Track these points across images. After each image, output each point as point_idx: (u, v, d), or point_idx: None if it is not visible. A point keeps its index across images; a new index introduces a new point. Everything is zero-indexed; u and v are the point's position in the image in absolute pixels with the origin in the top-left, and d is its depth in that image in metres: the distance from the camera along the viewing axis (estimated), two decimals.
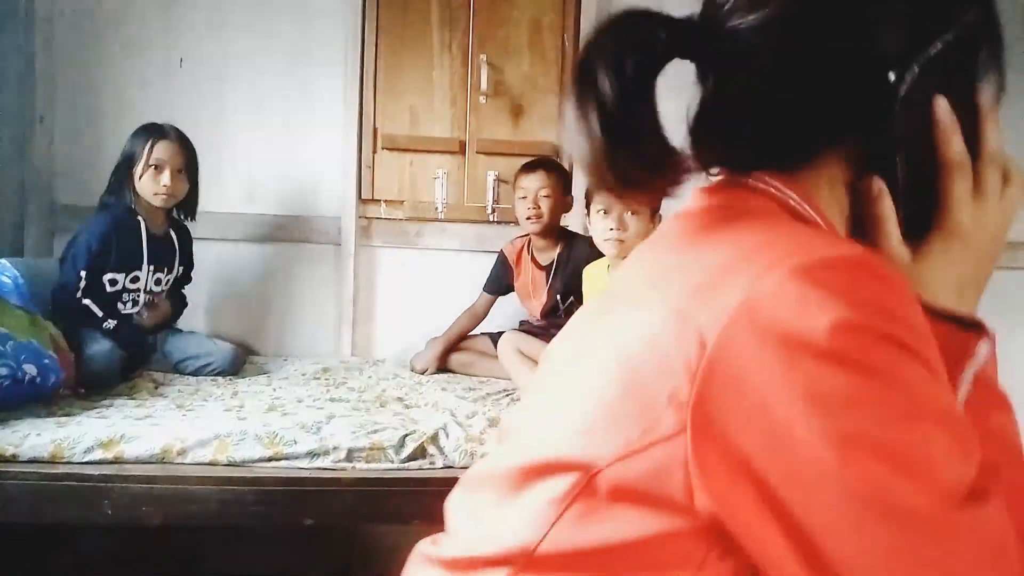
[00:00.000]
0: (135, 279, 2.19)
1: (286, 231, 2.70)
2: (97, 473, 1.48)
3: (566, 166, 2.48)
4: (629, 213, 1.88)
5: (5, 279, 2.05)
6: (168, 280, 2.31)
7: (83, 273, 2.07)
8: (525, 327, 2.46)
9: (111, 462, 1.51)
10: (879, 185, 0.52)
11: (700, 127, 0.56)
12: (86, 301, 2.07)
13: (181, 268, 2.37)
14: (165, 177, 2.15)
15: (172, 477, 1.50)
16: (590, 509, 0.47)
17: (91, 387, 1.93)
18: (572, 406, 0.51)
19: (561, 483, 0.48)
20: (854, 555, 0.41)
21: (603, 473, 0.47)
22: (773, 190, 0.52)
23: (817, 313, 0.42)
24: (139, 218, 2.18)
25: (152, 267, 2.22)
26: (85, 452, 1.50)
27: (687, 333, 0.45)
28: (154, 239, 2.22)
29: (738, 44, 0.52)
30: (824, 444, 0.41)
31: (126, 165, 2.17)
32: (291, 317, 2.75)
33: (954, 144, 0.52)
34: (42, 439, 1.51)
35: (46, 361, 1.80)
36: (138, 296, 2.22)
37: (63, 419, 1.65)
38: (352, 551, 2.00)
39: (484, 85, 2.73)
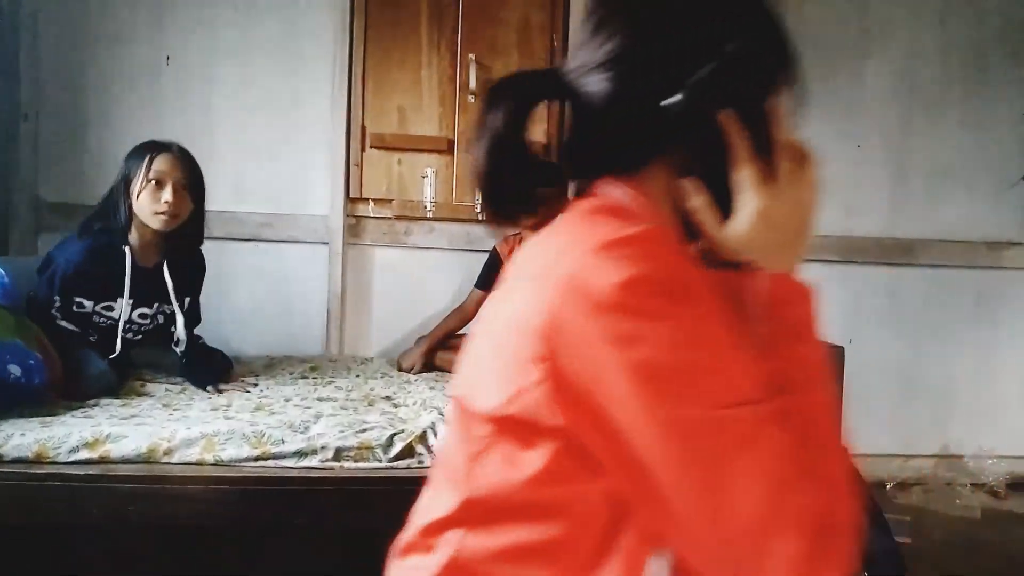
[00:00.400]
0: (108, 308, 2.00)
1: (274, 230, 2.70)
2: (82, 473, 1.48)
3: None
4: None
5: None
6: (163, 314, 2.09)
7: (56, 299, 1.94)
8: None
9: (97, 462, 1.50)
10: (689, 184, 0.67)
11: (567, 148, 0.75)
12: (61, 323, 1.95)
13: (185, 299, 2.10)
14: (167, 193, 1.91)
15: (158, 477, 1.50)
16: (500, 451, 0.64)
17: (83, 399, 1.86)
18: (480, 369, 0.70)
19: (478, 431, 0.66)
20: (652, 446, 0.57)
21: (503, 418, 0.64)
22: (612, 192, 0.70)
23: (607, 276, 0.58)
24: (125, 248, 1.96)
25: (132, 300, 1.99)
26: (70, 452, 1.50)
27: (538, 304, 0.61)
28: (140, 272, 1.99)
29: (580, 89, 0.70)
30: (621, 372, 0.57)
31: (122, 186, 1.94)
32: (278, 316, 2.74)
33: (738, 144, 0.65)
34: (26, 439, 1.50)
35: (31, 362, 1.78)
36: (114, 323, 2.01)
37: (48, 419, 1.64)
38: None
39: (472, 84, 2.73)
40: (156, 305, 2.06)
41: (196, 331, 2.17)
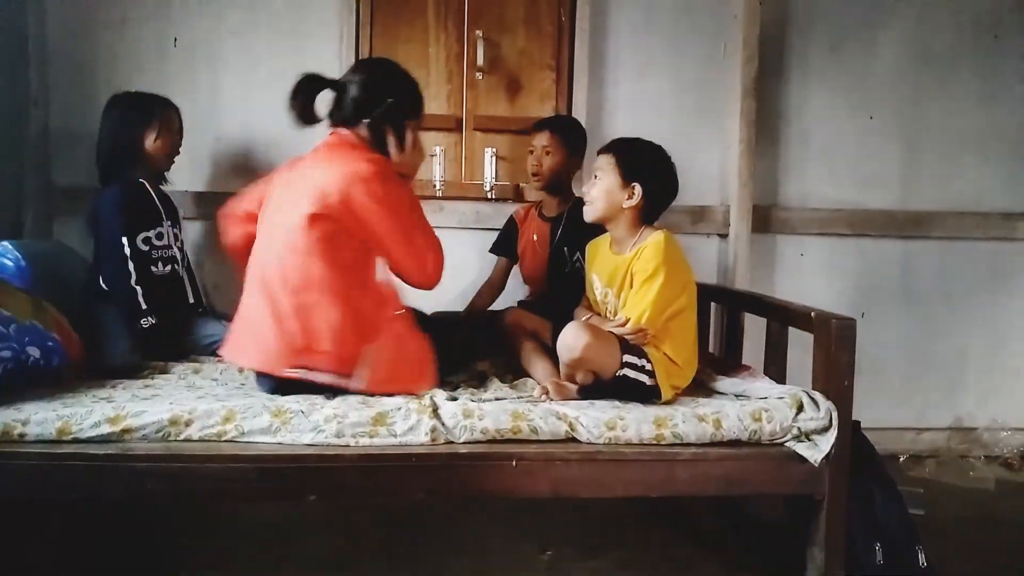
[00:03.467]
0: (160, 236, 2.26)
1: None
2: (102, 452, 1.50)
3: (576, 125, 2.53)
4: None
5: (7, 261, 2.04)
6: (179, 237, 2.36)
7: (124, 240, 2.15)
8: (524, 305, 2.47)
9: (116, 440, 1.52)
10: (385, 136, 1.87)
11: (332, 112, 1.90)
12: (135, 286, 2.13)
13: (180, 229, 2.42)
14: (179, 141, 2.38)
15: (176, 455, 1.52)
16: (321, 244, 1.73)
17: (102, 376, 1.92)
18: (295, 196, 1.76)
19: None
20: (389, 233, 1.76)
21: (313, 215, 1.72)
22: (356, 135, 1.86)
23: (370, 168, 1.73)
24: (141, 180, 2.27)
25: (169, 222, 2.31)
26: (92, 427, 1.52)
27: (337, 180, 1.70)
28: (161, 196, 2.33)
29: (347, 91, 1.88)
30: (379, 206, 1.72)
31: (133, 133, 2.27)
32: None
33: (390, 139, 1.86)
34: (49, 415, 1.52)
35: (49, 343, 1.80)
36: (168, 253, 2.27)
37: (69, 399, 1.66)
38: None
39: (480, 61, 2.72)
40: (178, 225, 2.38)
41: None
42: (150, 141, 2.28)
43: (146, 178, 2.29)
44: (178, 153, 2.40)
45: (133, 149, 2.27)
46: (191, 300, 2.34)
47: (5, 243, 2.09)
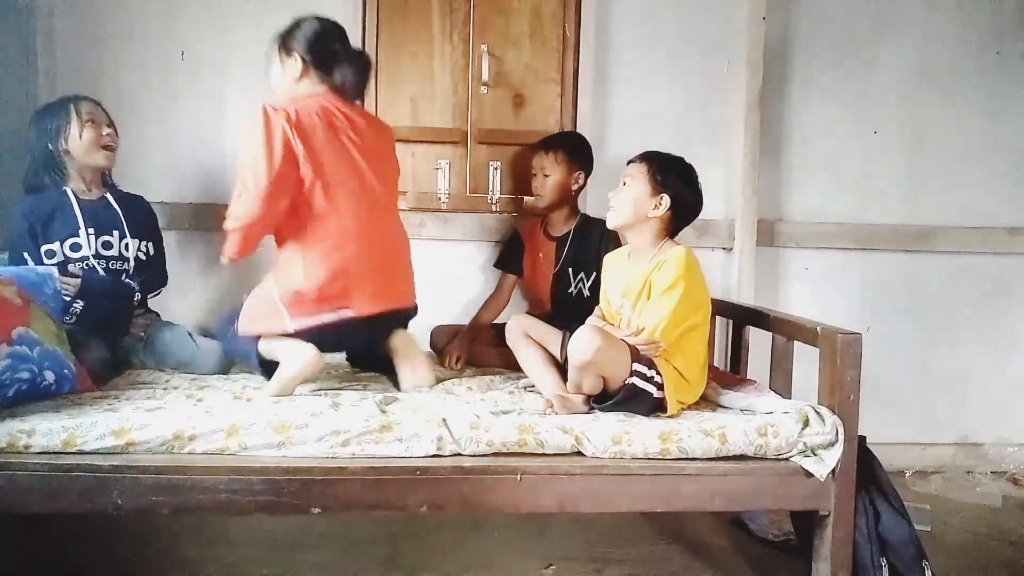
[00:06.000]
0: (75, 247, 2.16)
1: None
2: (107, 464, 1.50)
3: (580, 143, 2.55)
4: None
5: (46, 289, 2.00)
6: (126, 248, 2.25)
7: (26, 255, 2.10)
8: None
9: (121, 452, 1.52)
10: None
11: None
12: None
13: (143, 243, 2.31)
14: (105, 128, 2.22)
15: (181, 467, 1.51)
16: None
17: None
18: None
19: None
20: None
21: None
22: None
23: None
24: (66, 188, 2.18)
25: (92, 230, 2.18)
26: (97, 439, 1.52)
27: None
28: (87, 204, 2.20)
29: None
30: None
31: (52, 139, 2.16)
32: None
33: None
34: (54, 427, 1.52)
35: (66, 371, 1.82)
36: (89, 264, 2.16)
37: (73, 411, 1.66)
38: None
39: (485, 75, 2.73)
40: (116, 234, 2.23)
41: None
42: (72, 142, 2.17)
43: (77, 186, 2.21)
44: (115, 147, 2.26)
45: (51, 158, 2.18)
46: (140, 308, 2.27)
47: (53, 272, 2.03)
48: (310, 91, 2.05)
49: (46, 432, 1.51)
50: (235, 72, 2.67)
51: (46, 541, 2.05)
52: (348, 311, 1.91)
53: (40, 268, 2.06)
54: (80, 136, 2.17)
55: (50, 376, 1.77)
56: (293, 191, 1.92)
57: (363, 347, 2.15)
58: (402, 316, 2.10)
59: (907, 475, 2.86)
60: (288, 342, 1.92)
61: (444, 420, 1.64)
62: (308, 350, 1.89)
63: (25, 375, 1.71)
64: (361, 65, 2.12)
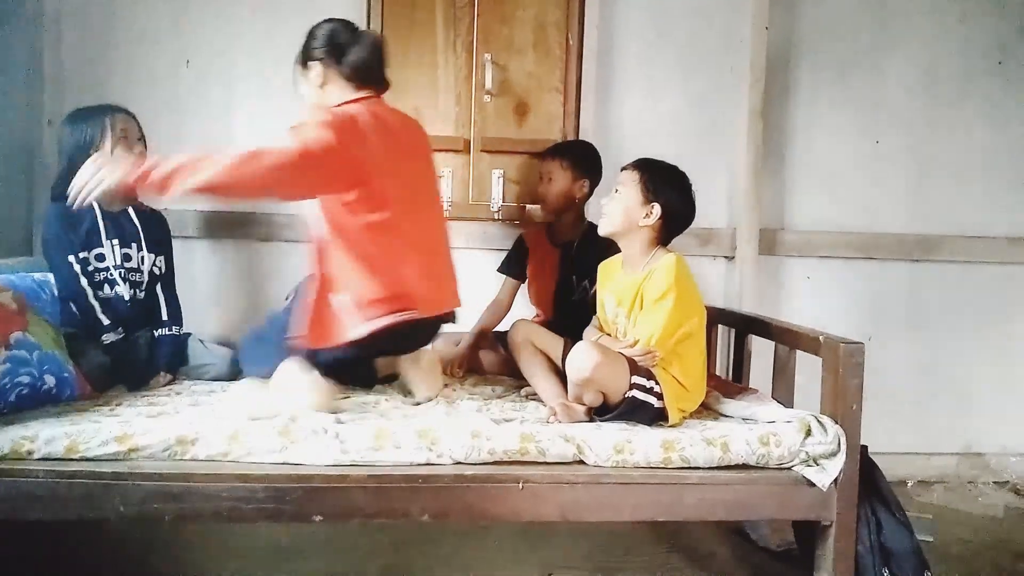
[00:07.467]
0: (100, 257, 2.17)
1: (293, 231, 2.71)
2: (109, 471, 1.50)
3: (587, 151, 2.55)
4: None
5: (43, 295, 2.04)
6: (143, 261, 2.26)
7: (71, 258, 2.10)
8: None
9: (123, 458, 1.52)
10: None
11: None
12: (93, 302, 2.09)
13: (156, 256, 2.31)
14: (139, 146, 2.21)
15: (183, 474, 1.52)
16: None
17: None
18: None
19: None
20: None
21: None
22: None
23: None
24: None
25: (115, 241, 2.20)
26: (100, 445, 1.52)
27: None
28: (109, 215, 2.22)
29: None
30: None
31: (85, 148, 2.11)
32: None
33: None
34: (57, 433, 1.53)
35: (65, 375, 1.84)
36: (111, 275, 2.17)
37: (76, 417, 1.67)
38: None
39: (489, 83, 2.74)
40: (135, 247, 2.25)
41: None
42: (108, 150, 2.14)
43: (104, 197, 2.18)
44: None
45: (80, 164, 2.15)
46: (166, 327, 2.26)
47: (47, 278, 2.07)
48: (340, 96, 2.01)
49: (49, 438, 1.52)
50: (241, 78, 2.68)
51: (48, 548, 2.05)
52: (415, 312, 1.87)
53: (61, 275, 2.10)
54: (112, 152, 2.13)
55: (50, 380, 1.78)
56: (351, 180, 1.85)
57: (413, 349, 2.10)
58: (452, 317, 2.10)
59: (909, 485, 2.85)
60: (308, 379, 1.86)
61: (446, 428, 1.64)
62: (322, 396, 1.85)
63: (25, 379, 1.72)
64: (373, 43, 2.07)
